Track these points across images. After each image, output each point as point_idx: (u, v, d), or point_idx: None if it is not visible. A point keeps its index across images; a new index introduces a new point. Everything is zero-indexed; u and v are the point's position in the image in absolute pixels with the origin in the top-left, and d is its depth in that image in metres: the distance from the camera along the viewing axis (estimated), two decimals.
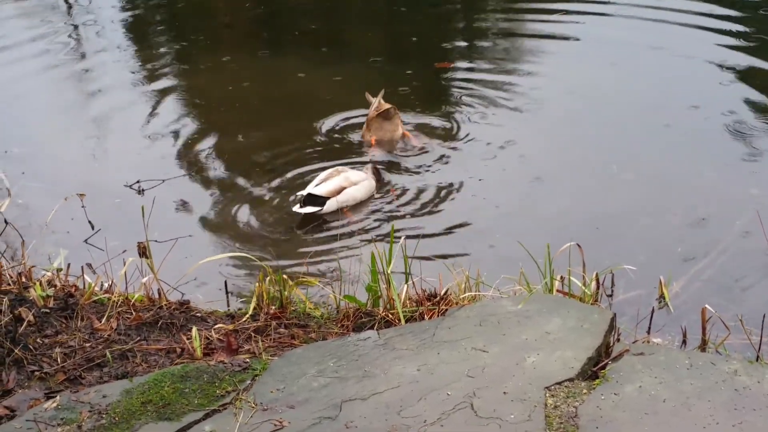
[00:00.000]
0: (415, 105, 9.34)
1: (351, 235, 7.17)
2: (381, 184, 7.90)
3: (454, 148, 8.44)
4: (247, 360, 4.54)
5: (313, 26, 11.98)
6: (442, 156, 8.32)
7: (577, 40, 10.87)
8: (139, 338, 5.00)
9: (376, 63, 10.52)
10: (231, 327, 5.10)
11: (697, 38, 10.68)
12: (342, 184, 7.54)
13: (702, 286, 6.28)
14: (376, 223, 7.34)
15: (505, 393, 4.11)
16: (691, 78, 9.68)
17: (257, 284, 5.38)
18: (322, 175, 7.67)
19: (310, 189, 7.46)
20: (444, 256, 6.50)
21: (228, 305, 6.00)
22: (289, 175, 8.09)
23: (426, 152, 8.40)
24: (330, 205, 7.45)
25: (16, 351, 4.68)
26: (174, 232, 7.01)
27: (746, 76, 9.62)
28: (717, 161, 7.98)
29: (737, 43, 10.50)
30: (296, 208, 7.41)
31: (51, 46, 11.26)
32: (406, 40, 11.48)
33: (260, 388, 4.28)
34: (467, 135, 8.65)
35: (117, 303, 5.27)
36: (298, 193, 7.52)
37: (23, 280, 5.48)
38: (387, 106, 8.50)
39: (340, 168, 7.79)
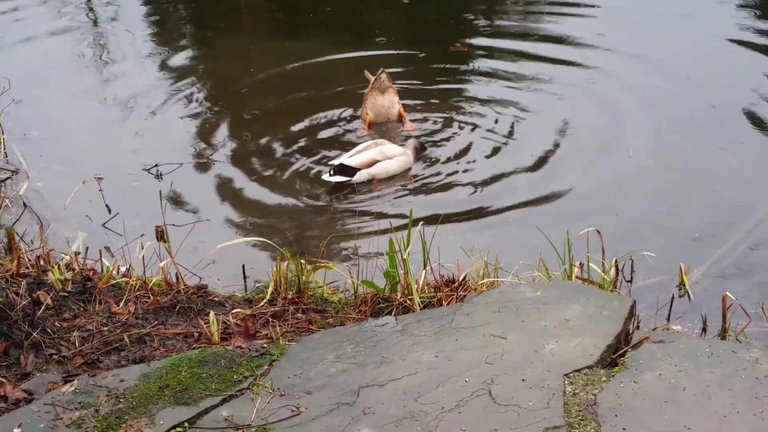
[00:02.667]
0: (428, 88, 9.29)
1: (369, 219, 7.15)
2: (421, 158, 7.96)
3: (470, 133, 8.39)
4: (265, 345, 4.53)
5: (329, 8, 11.91)
6: (459, 140, 8.28)
7: (598, 22, 10.79)
8: (156, 322, 5.00)
9: (391, 46, 10.48)
10: (248, 312, 5.10)
11: (723, 20, 10.58)
12: (375, 157, 7.65)
13: (722, 273, 6.22)
14: (395, 208, 7.30)
15: (523, 380, 4.09)
16: (717, 62, 9.58)
17: (275, 269, 5.37)
18: (359, 146, 7.79)
19: (343, 159, 7.58)
20: (463, 242, 6.46)
21: (245, 290, 6.00)
22: (309, 158, 8.07)
23: (437, 141, 8.36)
24: (360, 176, 7.57)
25: (34, 334, 4.69)
26: (192, 216, 7.03)
27: None
28: (740, 147, 7.90)
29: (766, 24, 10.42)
30: (326, 177, 7.50)
31: (70, 30, 11.27)
32: (424, 23, 11.43)
33: (278, 373, 4.27)
34: (482, 119, 8.60)
35: (135, 287, 5.28)
36: (331, 162, 7.57)
37: (41, 263, 5.49)
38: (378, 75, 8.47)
39: (378, 141, 7.87)
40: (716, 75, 9.29)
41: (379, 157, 7.67)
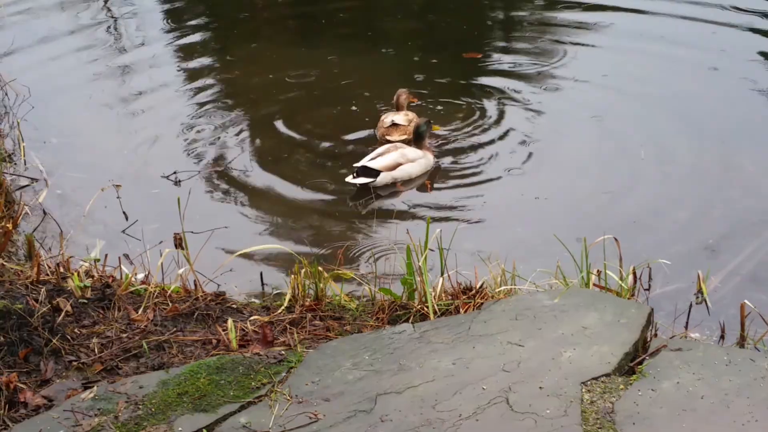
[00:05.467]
0: (442, 95, 9.29)
1: (387, 226, 7.16)
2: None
3: (486, 141, 8.39)
4: (283, 352, 4.54)
5: (342, 15, 11.91)
6: (475, 148, 8.28)
7: (612, 30, 10.78)
8: (175, 329, 5.02)
9: (404, 52, 10.50)
10: (266, 319, 5.11)
11: (740, 26, 10.56)
12: (398, 160, 7.74)
13: (741, 280, 6.20)
14: (412, 215, 7.31)
15: (540, 388, 4.08)
16: (733, 68, 9.55)
17: (293, 276, 5.39)
18: (380, 149, 7.86)
19: (365, 161, 7.65)
20: (480, 249, 6.47)
21: (263, 297, 6.01)
22: (326, 165, 8.10)
23: (450, 142, 8.37)
24: (383, 179, 7.64)
25: (54, 341, 4.72)
26: (210, 223, 7.05)
27: None
28: (758, 153, 7.87)
29: None
30: (349, 179, 7.58)
31: (89, 37, 11.33)
32: (437, 28, 11.44)
33: (295, 380, 4.29)
34: (496, 126, 8.60)
35: (153, 294, 5.30)
36: (354, 165, 7.65)
37: (61, 270, 5.53)
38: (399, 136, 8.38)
39: (398, 144, 7.94)
40: (739, 80, 9.24)
41: (402, 159, 7.74)
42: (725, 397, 4.00)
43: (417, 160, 7.82)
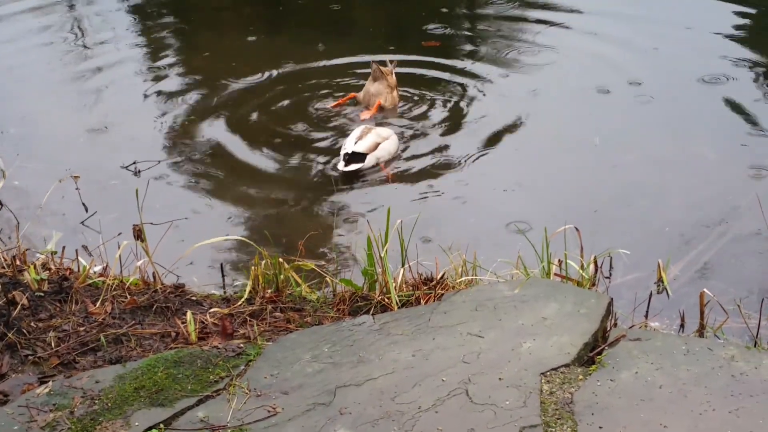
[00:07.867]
0: (402, 83, 9.24)
1: (348, 217, 7.13)
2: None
3: (444, 130, 8.38)
4: (242, 345, 4.51)
5: (300, 2, 11.81)
6: (433, 137, 8.27)
7: (579, 14, 10.81)
8: (133, 322, 4.97)
9: (362, 39, 10.46)
10: (226, 311, 5.07)
11: (700, 9, 10.63)
12: (376, 140, 7.85)
13: (701, 269, 6.24)
14: (373, 205, 7.28)
15: (500, 379, 4.08)
16: (693, 53, 9.60)
17: (253, 267, 5.34)
18: (356, 132, 7.94)
19: (352, 147, 7.74)
20: (441, 239, 6.45)
21: (224, 289, 5.97)
22: (288, 154, 8.05)
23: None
24: (369, 161, 7.75)
25: (9, 335, 4.66)
26: (170, 214, 6.98)
27: (754, 46, 9.59)
28: (719, 141, 7.92)
29: (744, 10, 10.45)
30: (340, 167, 7.66)
31: (49, 24, 11.18)
32: (398, 16, 11.39)
33: (254, 373, 4.25)
34: (455, 115, 8.59)
35: (112, 286, 5.24)
36: (342, 151, 7.74)
37: (17, 263, 5.45)
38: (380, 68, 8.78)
39: (368, 126, 8.05)
40: (699, 66, 9.28)
41: (378, 139, 7.86)
42: (683, 387, 4.02)
43: (390, 137, 7.96)
